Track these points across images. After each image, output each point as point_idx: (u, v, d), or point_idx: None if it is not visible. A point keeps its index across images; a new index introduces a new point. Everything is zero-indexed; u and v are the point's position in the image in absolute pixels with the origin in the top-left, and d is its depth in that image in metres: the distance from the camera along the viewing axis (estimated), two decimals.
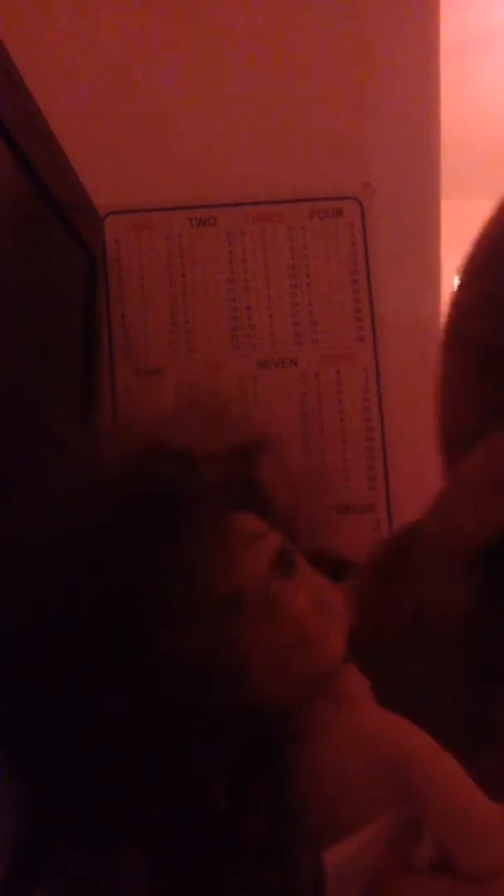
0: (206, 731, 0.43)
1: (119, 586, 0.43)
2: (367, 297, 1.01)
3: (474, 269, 0.63)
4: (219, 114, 1.04)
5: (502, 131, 2.89)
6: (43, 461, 0.48)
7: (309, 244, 1.02)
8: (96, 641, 0.42)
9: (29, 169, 0.69)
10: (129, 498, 0.45)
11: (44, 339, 0.78)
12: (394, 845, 0.43)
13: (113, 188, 0.98)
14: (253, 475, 0.50)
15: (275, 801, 0.44)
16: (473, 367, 0.63)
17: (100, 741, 0.43)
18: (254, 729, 0.44)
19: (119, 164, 1.01)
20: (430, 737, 0.44)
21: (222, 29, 1.05)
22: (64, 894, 0.47)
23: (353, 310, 1.01)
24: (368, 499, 0.99)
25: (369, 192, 1.02)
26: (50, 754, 0.44)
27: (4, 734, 0.46)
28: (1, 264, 0.65)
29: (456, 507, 0.59)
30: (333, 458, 0.99)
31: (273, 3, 1.06)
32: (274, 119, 1.04)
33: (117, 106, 1.03)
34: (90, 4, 1.05)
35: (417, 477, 1.03)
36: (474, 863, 0.41)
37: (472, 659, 0.55)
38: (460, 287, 0.64)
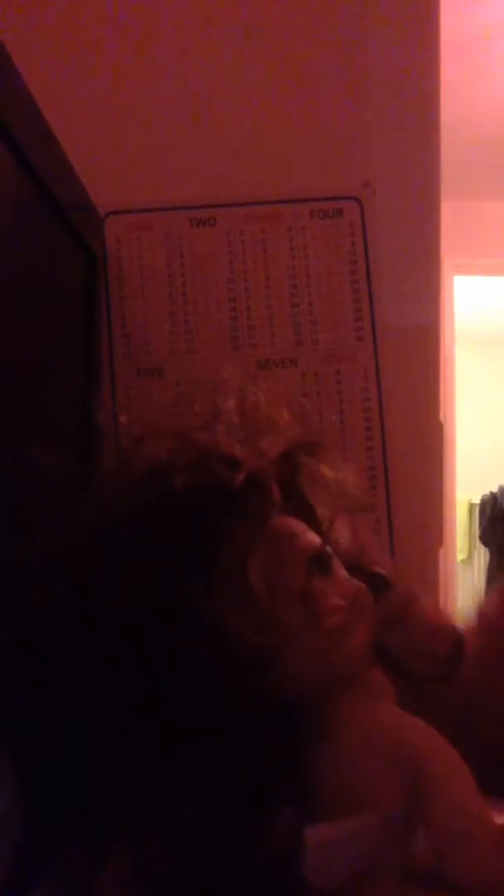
0: (235, 717, 0.44)
1: (159, 576, 0.45)
2: (367, 297, 1.01)
3: None
4: (218, 114, 1.04)
5: (502, 132, 2.90)
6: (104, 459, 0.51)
7: (309, 244, 1.02)
8: (137, 623, 0.44)
9: (29, 169, 0.69)
10: (174, 496, 0.48)
11: (44, 338, 0.78)
12: (390, 842, 0.43)
13: (113, 188, 0.98)
14: (295, 479, 0.52)
15: (296, 797, 0.45)
16: None
17: (135, 727, 0.44)
18: (279, 719, 0.45)
19: (119, 164, 1.01)
20: (445, 741, 0.45)
21: (222, 29, 1.05)
22: (64, 894, 0.47)
23: (353, 310, 1.01)
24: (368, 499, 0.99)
25: (369, 192, 1.02)
26: (85, 741, 0.45)
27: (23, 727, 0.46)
28: (1, 264, 0.65)
29: None
30: (333, 458, 0.99)
31: (273, 3, 1.06)
32: (274, 119, 1.04)
33: (117, 106, 1.03)
34: (90, 4, 1.05)
35: (417, 477, 1.03)
36: (467, 875, 0.41)
37: None
38: None
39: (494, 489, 4.97)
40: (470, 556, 5.04)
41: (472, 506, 5.02)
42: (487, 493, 4.99)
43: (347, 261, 1.02)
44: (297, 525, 0.50)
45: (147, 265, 1.02)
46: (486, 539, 4.97)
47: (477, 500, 5.02)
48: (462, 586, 4.41)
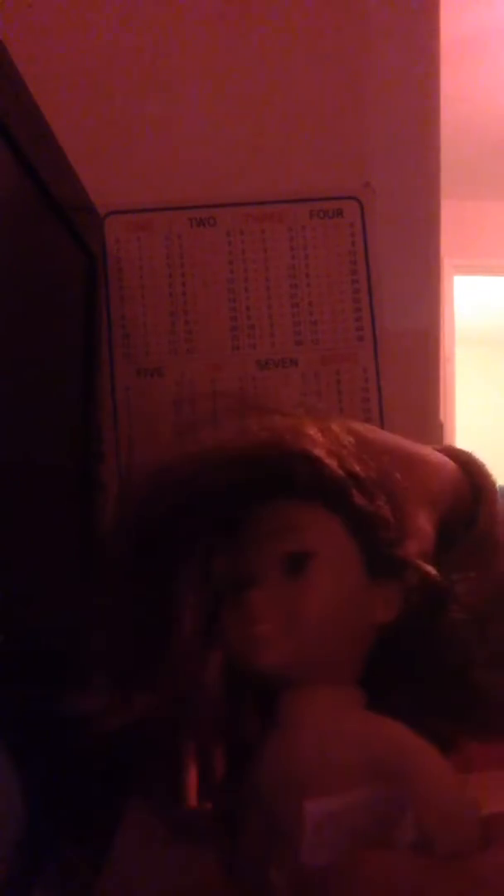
0: None
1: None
2: (367, 297, 1.01)
3: None
4: (219, 114, 1.04)
5: (502, 131, 2.90)
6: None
7: (309, 244, 1.02)
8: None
9: (29, 169, 0.69)
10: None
11: (44, 338, 0.78)
12: (375, 820, 0.44)
13: (113, 188, 0.98)
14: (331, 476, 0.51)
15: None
16: None
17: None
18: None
19: (119, 164, 1.01)
20: (419, 736, 0.46)
21: (222, 29, 1.05)
22: (64, 894, 0.47)
23: (353, 310, 1.01)
24: None
25: (369, 192, 1.02)
26: None
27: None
28: (1, 264, 0.65)
29: None
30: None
31: (273, 3, 1.06)
32: (274, 119, 1.04)
33: (117, 106, 1.03)
34: (90, 4, 1.05)
35: None
36: (449, 842, 0.44)
37: None
38: None
39: None
40: None
41: None
42: None
43: (347, 261, 1.02)
44: (296, 519, 0.50)
45: (147, 265, 1.02)
46: None
47: None
48: None
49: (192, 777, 0.48)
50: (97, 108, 1.02)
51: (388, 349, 1.01)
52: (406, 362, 1.02)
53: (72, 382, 0.90)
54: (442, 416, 1.13)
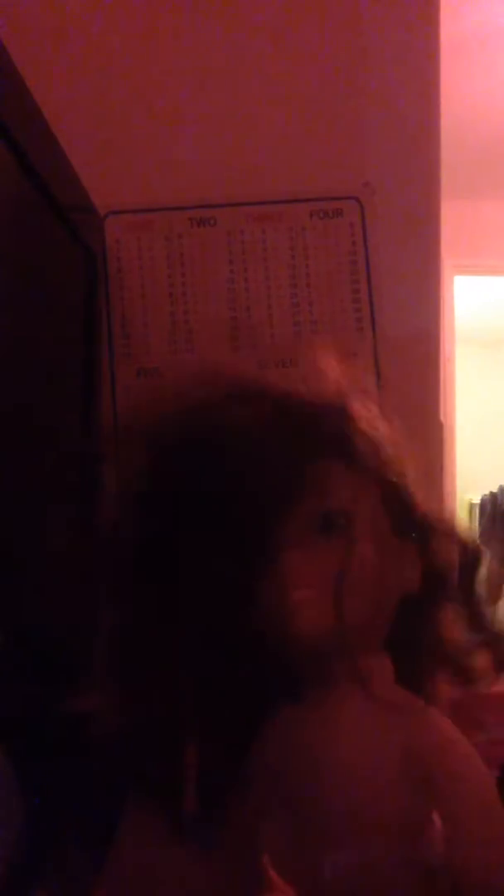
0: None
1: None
2: (367, 297, 1.01)
3: None
4: (219, 114, 1.04)
5: (502, 131, 2.89)
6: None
7: (309, 244, 1.02)
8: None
9: (29, 169, 0.69)
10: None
11: (44, 338, 0.78)
12: (401, 844, 0.43)
13: (113, 188, 0.98)
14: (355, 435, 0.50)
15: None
16: None
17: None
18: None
19: (119, 164, 1.01)
20: (462, 738, 0.45)
21: (223, 29, 1.05)
22: (64, 894, 0.47)
23: (353, 310, 1.01)
24: None
25: (369, 192, 1.02)
26: None
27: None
28: (1, 264, 0.65)
29: None
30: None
31: (273, 4, 1.06)
32: (274, 119, 1.04)
33: (117, 106, 1.03)
34: (91, 4, 1.05)
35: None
36: (479, 865, 0.43)
37: None
38: None
39: (494, 489, 4.97)
40: None
41: (472, 506, 5.02)
42: (487, 492, 4.99)
43: (347, 261, 1.02)
44: (335, 479, 0.47)
45: (147, 265, 1.02)
46: (486, 539, 4.97)
47: (477, 500, 5.01)
48: None
49: (191, 777, 0.48)
50: (97, 108, 1.02)
51: (389, 349, 1.01)
52: (406, 362, 1.02)
53: (72, 382, 0.90)
54: (442, 416, 1.13)
